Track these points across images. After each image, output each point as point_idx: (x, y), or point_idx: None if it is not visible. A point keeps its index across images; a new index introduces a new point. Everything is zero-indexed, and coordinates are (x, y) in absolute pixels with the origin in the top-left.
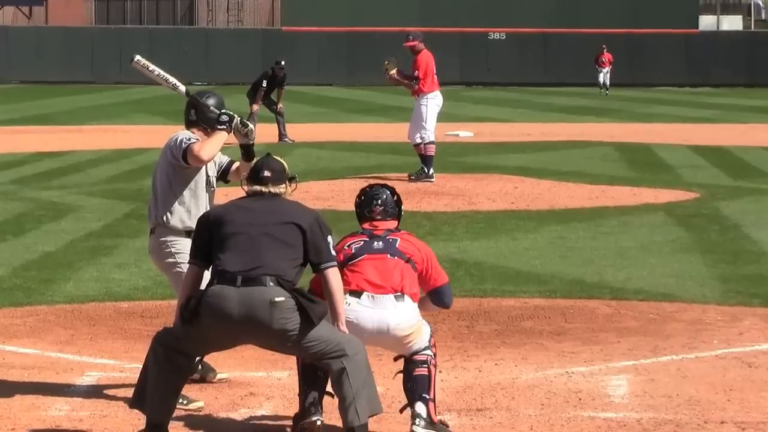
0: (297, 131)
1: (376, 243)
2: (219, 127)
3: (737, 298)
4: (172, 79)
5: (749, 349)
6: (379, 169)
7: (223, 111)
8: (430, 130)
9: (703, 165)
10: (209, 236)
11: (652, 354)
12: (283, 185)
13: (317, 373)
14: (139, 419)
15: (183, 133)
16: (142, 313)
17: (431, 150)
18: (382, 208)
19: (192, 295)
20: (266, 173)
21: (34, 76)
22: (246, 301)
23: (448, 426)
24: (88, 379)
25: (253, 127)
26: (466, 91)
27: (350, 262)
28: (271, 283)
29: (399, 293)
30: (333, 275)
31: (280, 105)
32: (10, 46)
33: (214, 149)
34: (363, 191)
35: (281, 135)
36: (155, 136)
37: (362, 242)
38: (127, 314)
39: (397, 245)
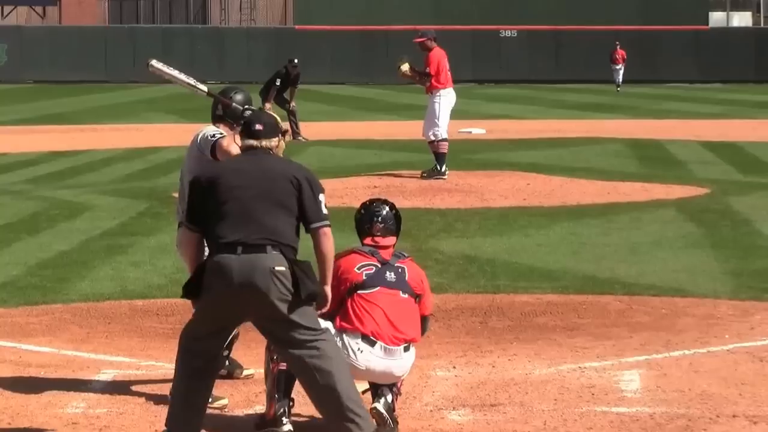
0: (310, 129)
1: (388, 274)
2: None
3: (749, 293)
4: (192, 80)
5: (761, 344)
6: (391, 166)
7: (246, 107)
8: (443, 127)
9: (713, 161)
10: (203, 200)
11: (665, 349)
12: (276, 139)
13: (291, 381)
14: (155, 416)
15: (210, 129)
16: (158, 311)
17: (444, 147)
18: (383, 225)
19: (194, 271)
20: (258, 126)
21: (48, 75)
22: (246, 269)
23: (397, 424)
24: (104, 376)
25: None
26: (478, 89)
27: (362, 291)
28: (273, 251)
29: (408, 344)
30: (325, 237)
31: (292, 103)
32: (24, 45)
33: None
34: (364, 206)
35: (294, 133)
36: (169, 134)
37: (374, 269)
38: (143, 312)
39: (406, 278)
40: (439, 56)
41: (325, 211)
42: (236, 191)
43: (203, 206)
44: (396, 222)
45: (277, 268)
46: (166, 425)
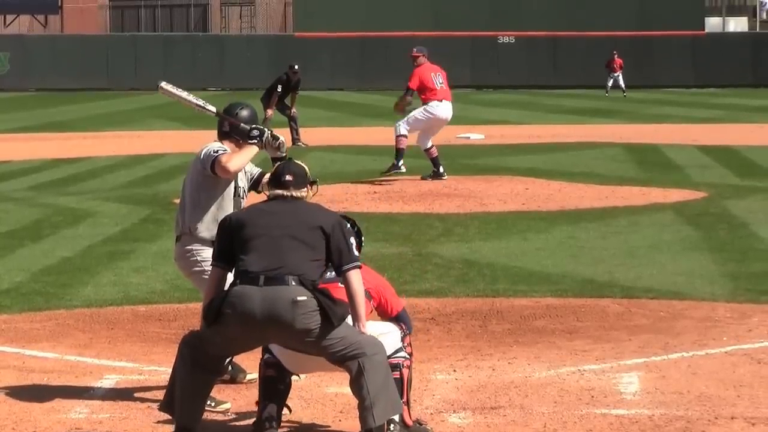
0: (310, 135)
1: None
2: (250, 141)
3: (746, 296)
4: (200, 101)
5: (758, 346)
6: None
7: (254, 126)
8: (405, 125)
9: (710, 165)
10: (231, 239)
11: (663, 351)
12: (305, 189)
13: (278, 387)
14: (158, 421)
15: (214, 144)
16: (160, 317)
17: (402, 143)
18: None
19: (216, 297)
20: (288, 177)
21: (50, 83)
22: (268, 300)
23: (423, 424)
24: (107, 382)
25: (284, 140)
26: (476, 94)
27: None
28: (294, 283)
29: None
30: (355, 277)
31: (293, 109)
32: (26, 54)
33: (242, 162)
34: None
35: (294, 139)
36: (170, 141)
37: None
38: (145, 317)
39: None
40: (421, 72)
41: (356, 253)
42: (263, 229)
43: (231, 245)
44: (357, 236)
45: (299, 299)
46: (175, 418)
